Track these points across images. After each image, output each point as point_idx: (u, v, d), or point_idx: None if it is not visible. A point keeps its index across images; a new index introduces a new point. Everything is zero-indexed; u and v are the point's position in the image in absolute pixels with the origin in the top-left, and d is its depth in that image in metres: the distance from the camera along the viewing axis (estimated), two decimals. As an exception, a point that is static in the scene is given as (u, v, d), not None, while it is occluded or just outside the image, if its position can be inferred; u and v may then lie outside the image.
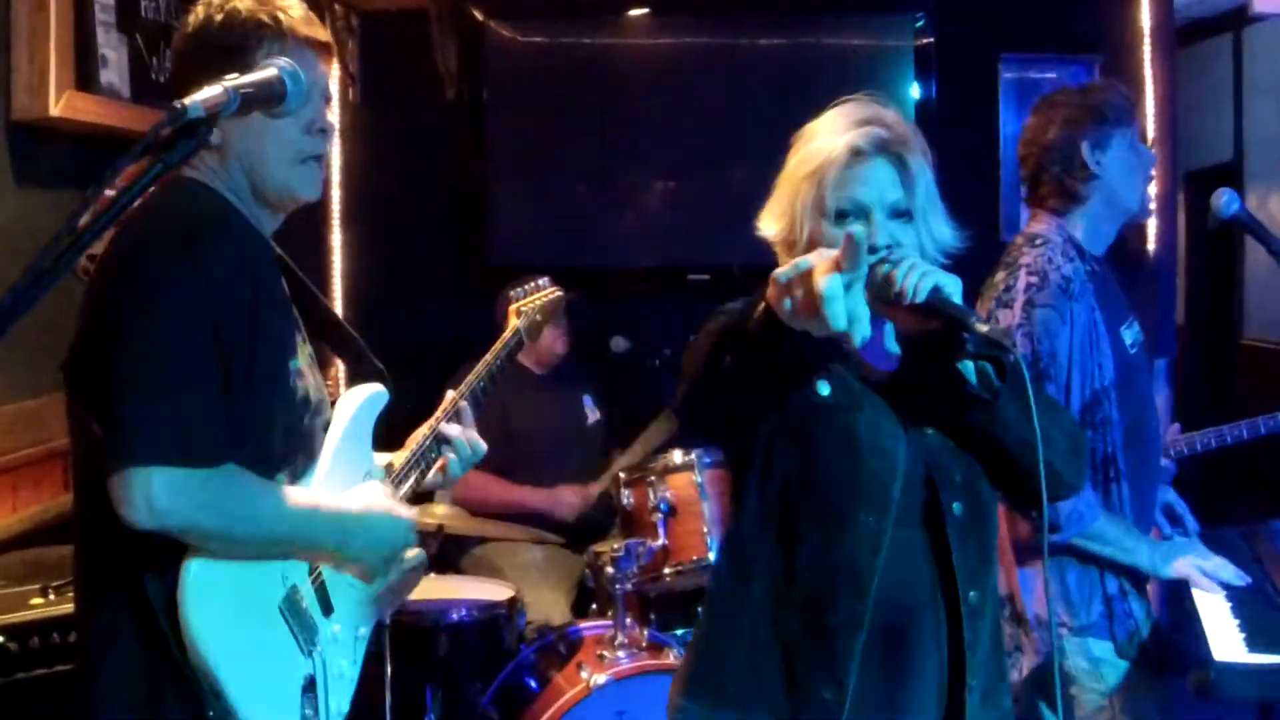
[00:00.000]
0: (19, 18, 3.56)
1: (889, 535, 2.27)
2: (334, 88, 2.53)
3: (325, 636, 2.50)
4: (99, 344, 2.24)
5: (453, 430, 2.83)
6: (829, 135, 2.30)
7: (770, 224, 2.38)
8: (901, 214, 2.28)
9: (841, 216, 2.27)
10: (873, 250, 2.16)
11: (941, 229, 2.36)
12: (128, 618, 2.31)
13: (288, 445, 2.43)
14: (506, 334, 3.24)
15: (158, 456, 2.15)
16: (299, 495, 2.41)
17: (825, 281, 1.79)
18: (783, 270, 1.88)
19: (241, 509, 2.27)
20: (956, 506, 2.32)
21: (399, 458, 2.79)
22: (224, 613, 2.29)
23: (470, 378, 2.99)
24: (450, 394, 2.92)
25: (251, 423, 2.30)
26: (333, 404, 2.66)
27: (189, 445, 2.18)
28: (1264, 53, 8.14)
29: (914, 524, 2.33)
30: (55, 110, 3.59)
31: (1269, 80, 8.08)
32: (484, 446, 2.88)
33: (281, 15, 2.38)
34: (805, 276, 1.83)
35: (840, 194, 2.27)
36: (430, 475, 2.82)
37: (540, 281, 3.44)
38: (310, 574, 2.49)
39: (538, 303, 3.39)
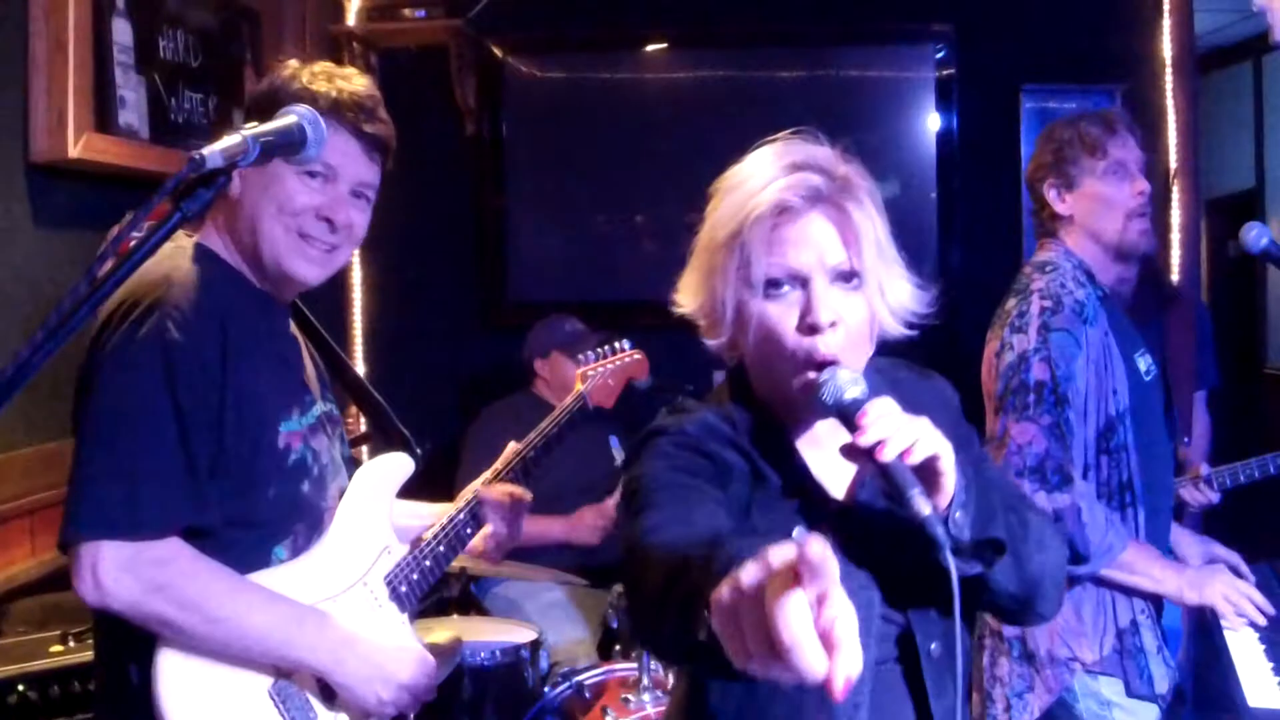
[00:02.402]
0: (37, 59, 3.56)
1: (869, 688, 1.83)
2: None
3: None
4: (75, 407, 2.24)
5: (487, 493, 2.79)
6: (751, 188, 1.86)
7: (685, 298, 1.96)
8: (847, 278, 1.83)
9: (774, 287, 1.82)
10: (815, 330, 1.79)
11: (898, 291, 1.90)
12: (119, 702, 2.29)
13: (281, 512, 2.37)
14: (568, 399, 3.16)
15: (105, 529, 2.11)
16: (280, 601, 2.30)
17: (786, 618, 1.14)
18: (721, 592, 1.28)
19: (198, 599, 2.18)
20: (934, 647, 1.89)
21: (429, 534, 2.72)
22: (202, 699, 2.22)
23: (521, 445, 2.92)
24: (507, 450, 2.88)
25: (226, 487, 2.25)
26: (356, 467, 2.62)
27: (137, 515, 2.12)
28: (1285, 80, 8.12)
29: (890, 659, 1.89)
30: (74, 151, 3.58)
31: (1290, 108, 8.06)
32: (529, 496, 2.83)
33: (332, 94, 2.35)
34: (752, 603, 1.21)
35: (769, 260, 1.82)
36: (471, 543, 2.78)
37: (620, 344, 3.35)
38: None
39: (610, 366, 3.30)
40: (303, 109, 1.77)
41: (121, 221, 1.59)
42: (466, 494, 2.82)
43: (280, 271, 2.38)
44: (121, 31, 3.87)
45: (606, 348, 3.33)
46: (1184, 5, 5.81)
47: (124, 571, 2.11)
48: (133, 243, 1.58)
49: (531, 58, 6.11)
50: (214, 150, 1.58)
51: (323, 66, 2.43)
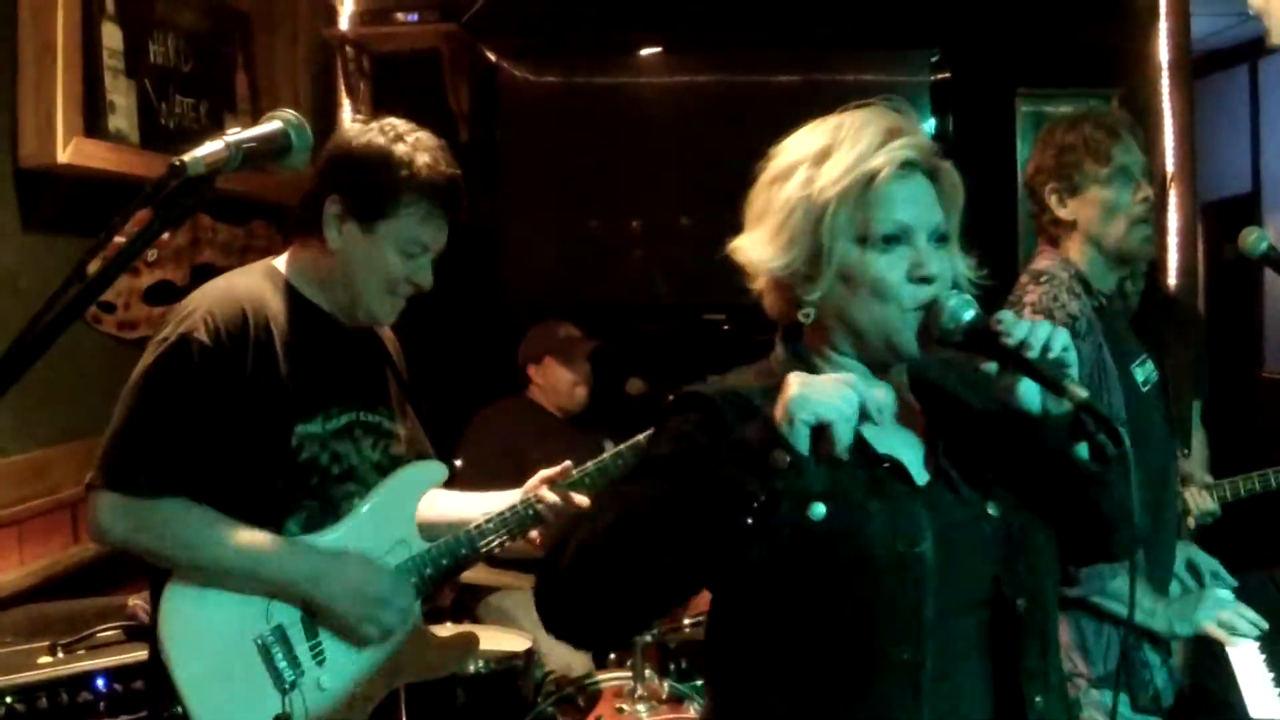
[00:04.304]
0: (26, 63, 3.53)
1: (930, 670, 1.84)
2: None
3: (309, 683, 2.64)
4: None
5: (550, 497, 2.83)
6: (864, 148, 1.92)
7: (769, 255, 1.98)
8: (942, 238, 1.96)
9: (889, 241, 1.91)
10: (926, 280, 1.91)
11: (960, 258, 2.04)
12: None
13: (290, 498, 2.65)
14: (640, 436, 3.16)
15: (107, 482, 2.51)
16: (258, 532, 2.59)
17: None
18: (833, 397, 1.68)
19: (182, 535, 2.54)
20: (1020, 602, 1.91)
21: (454, 536, 2.85)
22: (193, 636, 2.56)
23: (575, 471, 2.95)
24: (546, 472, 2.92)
25: (236, 469, 2.58)
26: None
27: (132, 476, 2.50)
28: (1281, 84, 8.09)
29: (970, 616, 1.90)
30: (63, 157, 3.55)
31: (1287, 112, 8.04)
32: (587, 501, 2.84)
33: (434, 177, 2.66)
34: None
35: (885, 215, 1.91)
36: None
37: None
38: (302, 619, 2.66)
39: None
40: (289, 114, 1.75)
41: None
42: (509, 499, 2.88)
43: (369, 318, 2.77)
44: (111, 35, 3.85)
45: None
46: (1180, 9, 5.79)
47: (117, 514, 2.51)
48: (122, 239, 1.57)
49: (525, 62, 6.09)
50: (195, 156, 1.57)
51: (423, 145, 2.70)
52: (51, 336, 1.53)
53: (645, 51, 6.10)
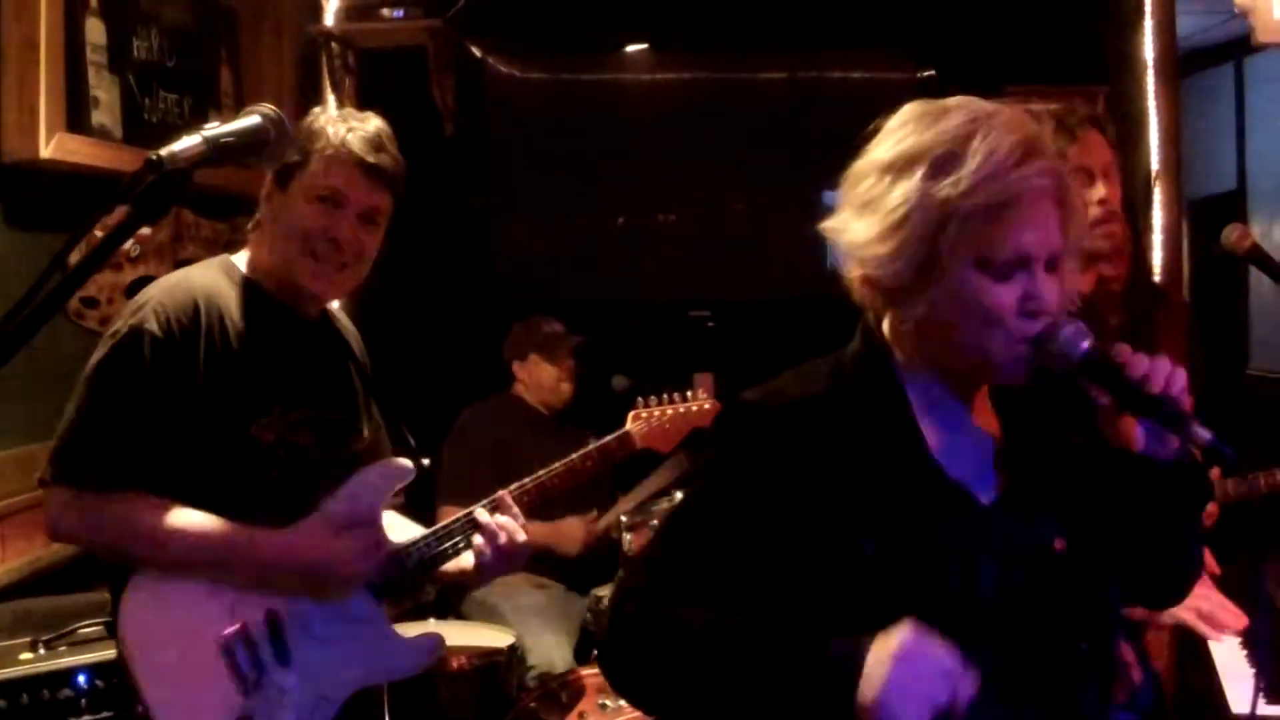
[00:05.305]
0: (8, 58, 3.51)
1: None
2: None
3: (272, 684, 2.63)
4: None
5: (484, 516, 2.80)
6: (992, 158, 1.74)
7: (873, 256, 1.82)
8: (1055, 265, 1.80)
9: (1007, 271, 1.76)
10: (1037, 314, 1.77)
11: (1075, 276, 1.88)
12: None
13: (252, 491, 2.62)
14: (609, 436, 3.22)
15: (56, 477, 2.52)
16: (220, 522, 2.57)
17: None
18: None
19: (137, 530, 2.52)
20: (1084, 645, 1.85)
21: (420, 535, 2.87)
22: (154, 634, 2.56)
23: (544, 473, 3.07)
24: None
25: (196, 461, 2.57)
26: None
27: (81, 470, 2.50)
28: (1266, 82, 8.10)
29: (1021, 655, 1.81)
30: (46, 152, 3.54)
31: (1271, 109, 8.04)
32: (523, 538, 2.86)
33: (342, 131, 2.67)
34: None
35: (1012, 241, 1.75)
36: (457, 562, 2.88)
37: (695, 392, 3.38)
38: (265, 618, 2.62)
39: (670, 413, 3.33)
40: (266, 109, 1.75)
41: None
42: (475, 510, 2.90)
43: (295, 286, 2.71)
44: (94, 30, 3.83)
45: (676, 394, 3.31)
46: (1166, 7, 5.79)
47: (71, 510, 2.53)
48: (101, 233, 1.58)
49: (511, 58, 6.09)
50: (172, 151, 1.57)
51: (342, 112, 2.79)
52: (31, 329, 1.53)
53: (631, 48, 6.10)
